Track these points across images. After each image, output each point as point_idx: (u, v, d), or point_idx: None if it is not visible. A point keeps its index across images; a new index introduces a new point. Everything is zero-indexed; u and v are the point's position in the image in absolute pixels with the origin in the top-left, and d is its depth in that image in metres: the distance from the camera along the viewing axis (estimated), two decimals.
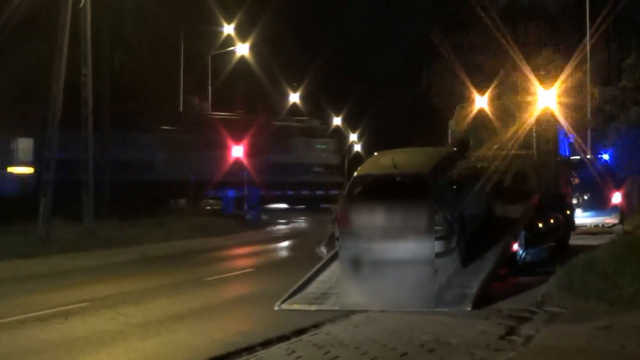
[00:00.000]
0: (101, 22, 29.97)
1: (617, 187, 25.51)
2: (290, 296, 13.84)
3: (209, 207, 38.57)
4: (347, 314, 12.32)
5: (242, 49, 46.78)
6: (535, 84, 33.80)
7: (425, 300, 12.37)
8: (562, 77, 33.80)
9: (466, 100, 38.29)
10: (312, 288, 14.29)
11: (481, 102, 20.20)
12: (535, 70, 35.76)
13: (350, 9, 61.21)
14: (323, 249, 16.35)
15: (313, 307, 13.08)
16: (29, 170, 35.70)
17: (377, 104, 54.83)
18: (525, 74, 34.92)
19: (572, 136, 22.49)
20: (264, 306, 13.73)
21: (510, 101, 20.82)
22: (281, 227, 34.74)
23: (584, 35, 36.56)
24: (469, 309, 12.04)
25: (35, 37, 25.51)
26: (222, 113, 44.23)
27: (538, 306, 12.14)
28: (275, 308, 13.32)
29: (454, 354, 9.35)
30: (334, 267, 14.33)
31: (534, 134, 18.97)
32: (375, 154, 15.95)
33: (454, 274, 13.33)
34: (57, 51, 25.09)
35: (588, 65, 36.46)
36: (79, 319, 12.86)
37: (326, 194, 43.94)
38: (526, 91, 33.89)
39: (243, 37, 46.50)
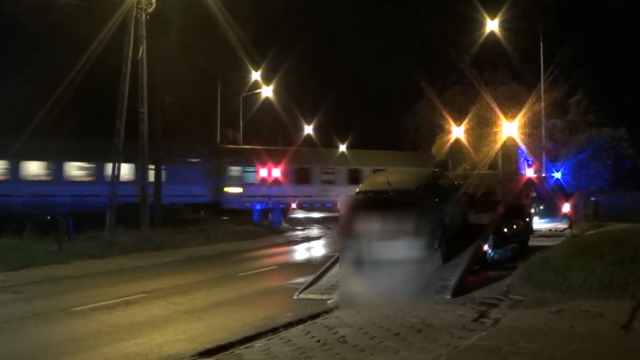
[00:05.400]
0: (154, 70, 30.08)
1: (567, 199, 25.53)
2: (306, 288, 13.89)
3: None
4: None
5: (267, 91, 47.15)
6: (501, 118, 33.89)
7: (414, 291, 12.37)
8: (522, 112, 33.92)
9: (445, 130, 38.94)
10: (324, 281, 14.33)
11: (457, 132, 20.23)
12: (501, 106, 35.83)
13: (352, 58, 61.69)
14: None
15: (325, 297, 13.10)
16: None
17: (374, 133, 54.85)
18: (493, 110, 34.99)
19: (532, 159, 22.51)
20: (285, 296, 13.79)
21: (480, 131, 20.85)
22: (299, 233, 34.67)
23: (540, 78, 36.64)
24: (449, 297, 12.03)
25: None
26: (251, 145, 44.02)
27: (504, 295, 12.11)
28: (295, 297, 13.36)
29: (437, 333, 9.35)
30: None
31: (500, 157, 19.04)
32: (373, 173, 15.99)
33: (436, 270, 13.33)
34: (119, 94, 25.27)
35: (542, 102, 36.48)
36: (138, 307, 12.96)
37: None
38: (494, 123, 33.99)
39: (267, 81, 46.91)
